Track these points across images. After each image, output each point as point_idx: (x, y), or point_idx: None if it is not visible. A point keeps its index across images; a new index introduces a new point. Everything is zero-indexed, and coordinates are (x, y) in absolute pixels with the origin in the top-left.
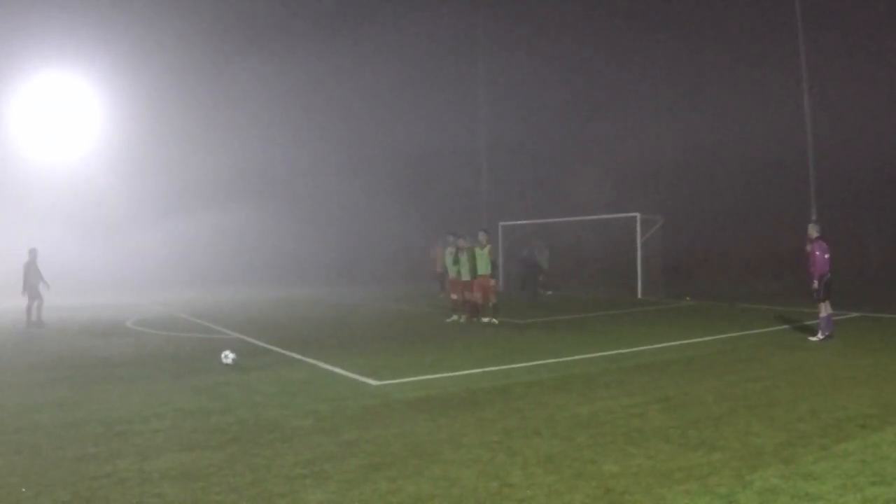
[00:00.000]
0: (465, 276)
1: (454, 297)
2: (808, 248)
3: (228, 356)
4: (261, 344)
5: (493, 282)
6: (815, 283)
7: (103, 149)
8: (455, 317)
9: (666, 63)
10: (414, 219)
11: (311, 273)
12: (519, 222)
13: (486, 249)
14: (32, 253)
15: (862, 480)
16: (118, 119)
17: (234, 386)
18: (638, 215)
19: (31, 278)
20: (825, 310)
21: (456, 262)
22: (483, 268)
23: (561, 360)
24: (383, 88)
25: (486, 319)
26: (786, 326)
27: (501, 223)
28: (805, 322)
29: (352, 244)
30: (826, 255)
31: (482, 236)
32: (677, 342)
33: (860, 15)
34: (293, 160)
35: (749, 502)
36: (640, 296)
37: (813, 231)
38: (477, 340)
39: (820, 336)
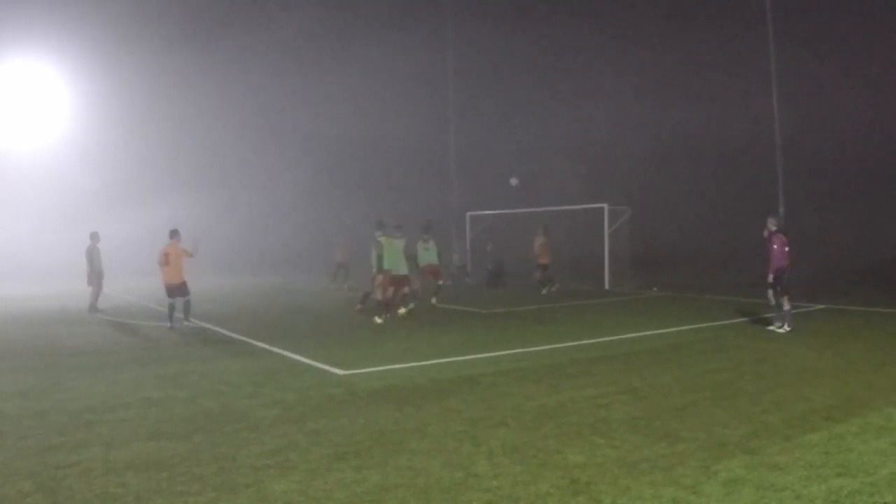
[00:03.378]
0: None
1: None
2: (770, 242)
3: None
4: (227, 333)
5: (380, 278)
6: (770, 277)
7: (73, 135)
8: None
9: (635, 55)
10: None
11: (275, 261)
12: (486, 212)
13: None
14: (94, 237)
15: (826, 472)
16: (88, 104)
17: (200, 375)
18: (606, 206)
19: (96, 263)
20: (787, 303)
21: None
22: (390, 262)
23: (527, 350)
24: (351, 78)
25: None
26: (752, 318)
27: (469, 213)
28: (769, 314)
29: (314, 233)
30: (785, 248)
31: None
32: (644, 333)
33: (828, 8)
34: (259, 148)
35: (714, 493)
36: (607, 286)
37: (771, 224)
38: (443, 331)
39: (787, 327)
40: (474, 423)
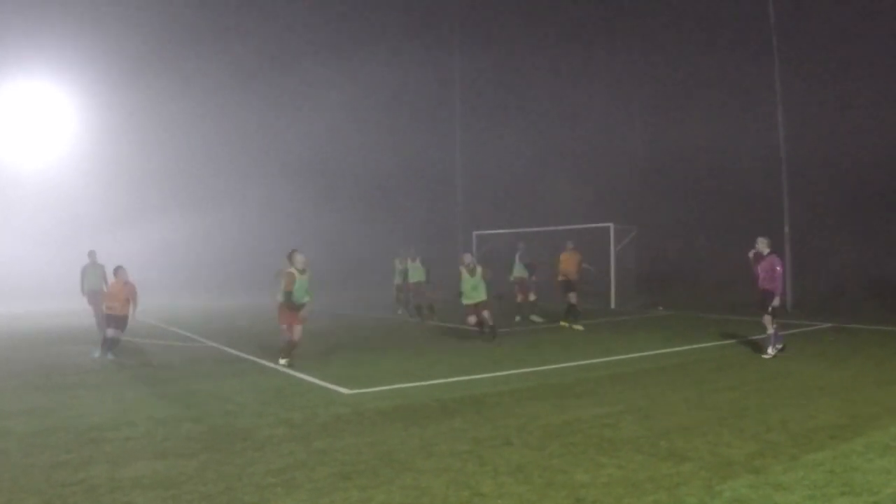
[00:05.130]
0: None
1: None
2: (761, 263)
3: None
4: (234, 352)
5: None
6: (776, 301)
7: (77, 152)
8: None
9: (641, 74)
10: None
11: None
12: (493, 231)
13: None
14: (90, 255)
15: (831, 491)
16: (91, 122)
17: (207, 394)
18: (612, 225)
19: (84, 282)
20: (771, 325)
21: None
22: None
23: (533, 369)
24: (358, 100)
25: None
26: (758, 337)
27: (476, 232)
28: (779, 332)
29: (322, 253)
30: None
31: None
32: (650, 352)
33: (834, 24)
34: (258, 166)
35: None
36: (613, 305)
37: (764, 246)
38: (449, 350)
39: (778, 347)
40: (480, 442)
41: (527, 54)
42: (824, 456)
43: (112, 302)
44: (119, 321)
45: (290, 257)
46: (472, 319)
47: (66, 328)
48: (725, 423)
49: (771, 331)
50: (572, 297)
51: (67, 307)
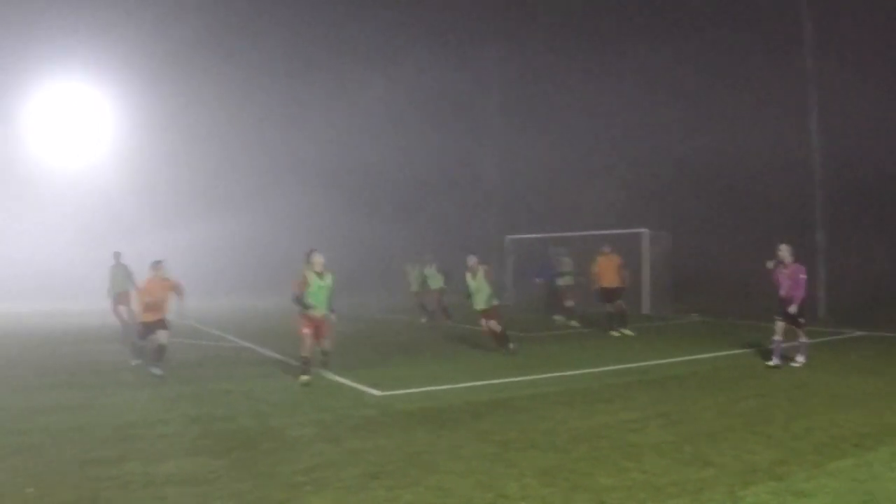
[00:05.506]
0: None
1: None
2: (783, 271)
3: None
4: (267, 353)
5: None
6: (794, 308)
7: (114, 153)
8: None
9: (673, 80)
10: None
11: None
12: (526, 236)
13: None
14: (115, 256)
15: (852, 499)
16: (129, 123)
17: (240, 394)
18: (645, 231)
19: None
20: (793, 334)
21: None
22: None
23: (563, 374)
24: (391, 99)
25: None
26: (789, 344)
27: (508, 237)
28: (810, 340)
29: (353, 256)
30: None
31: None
32: (681, 358)
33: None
34: (299, 169)
35: None
36: (646, 311)
37: (787, 254)
38: (480, 353)
39: (804, 358)
40: (507, 445)
41: (561, 56)
42: (847, 464)
43: (149, 298)
44: (161, 324)
45: (307, 257)
46: (483, 326)
47: (102, 327)
48: (751, 430)
49: (804, 339)
50: (621, 305)
51: (102, 306)
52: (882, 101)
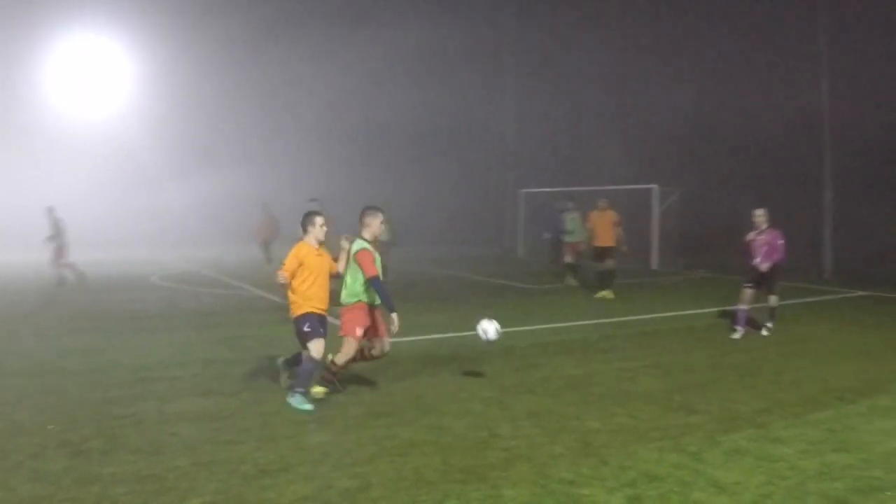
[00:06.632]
0: None
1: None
2: (759, 237)
3: (488, 332)
4: (278, 300)
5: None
6: (771, 269)
7: (134, 105)
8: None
9: (686, 33)
10: (438, 182)
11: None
12: (541, 190)
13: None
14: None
15: (825, 447)
16: (150, 75)
17: (253, 339)
18: (655, 187)
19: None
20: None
21: None
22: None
23: (565, 325)
24: (410, 54)
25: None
26: (789, 301)
27: (523, 190)
28: (809, 299)
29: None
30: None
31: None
32: (682, 312)
33: None
34: (320, 119)
35: (714, 460)
36: (654, 266)
37: (764, 219)
38: (488, 304)
39: (772, 324)
40: (504, 390)
41: (577, 12)
42: (827, 415)
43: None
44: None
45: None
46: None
47: (122, 276)
48: (740, 382)
49: (775, 304)
50: (609, 263)
51: (124, 255)
52: (894, 63)
